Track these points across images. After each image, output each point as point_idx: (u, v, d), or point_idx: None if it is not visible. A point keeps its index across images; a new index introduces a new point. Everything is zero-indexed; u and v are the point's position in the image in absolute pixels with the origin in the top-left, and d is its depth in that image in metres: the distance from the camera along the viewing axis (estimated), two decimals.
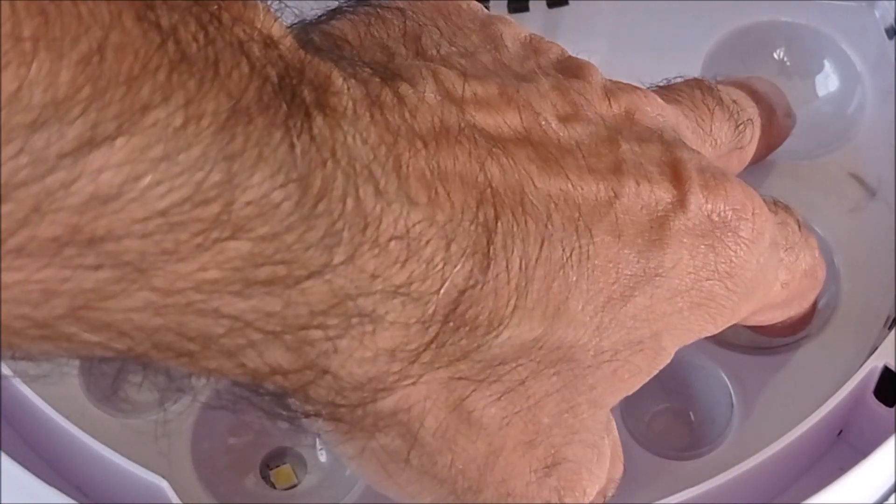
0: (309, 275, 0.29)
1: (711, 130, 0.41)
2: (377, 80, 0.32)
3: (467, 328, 0.32)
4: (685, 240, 0.36)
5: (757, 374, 0.46)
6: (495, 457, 0.34)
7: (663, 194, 0.36)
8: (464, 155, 0.32)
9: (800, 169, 0.50)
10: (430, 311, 0.31)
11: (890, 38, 0.51)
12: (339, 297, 0.30)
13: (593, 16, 0.52)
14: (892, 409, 0.43)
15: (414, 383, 0.32)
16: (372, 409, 0.33)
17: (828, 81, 0.52)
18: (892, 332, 0.43)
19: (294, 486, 0.46)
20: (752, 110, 0.43)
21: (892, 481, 0.41)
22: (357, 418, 0.33)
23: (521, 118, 0.35)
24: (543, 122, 0.35)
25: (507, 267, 0.32)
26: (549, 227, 0.33)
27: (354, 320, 0.30)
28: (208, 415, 0.46)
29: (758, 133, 0.44)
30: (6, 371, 0.40)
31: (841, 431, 0.45)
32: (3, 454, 0.40)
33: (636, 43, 0.52)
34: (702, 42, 0.52)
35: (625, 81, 0.39)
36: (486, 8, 0.51)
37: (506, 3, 0.52)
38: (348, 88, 0.31)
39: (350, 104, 0.30)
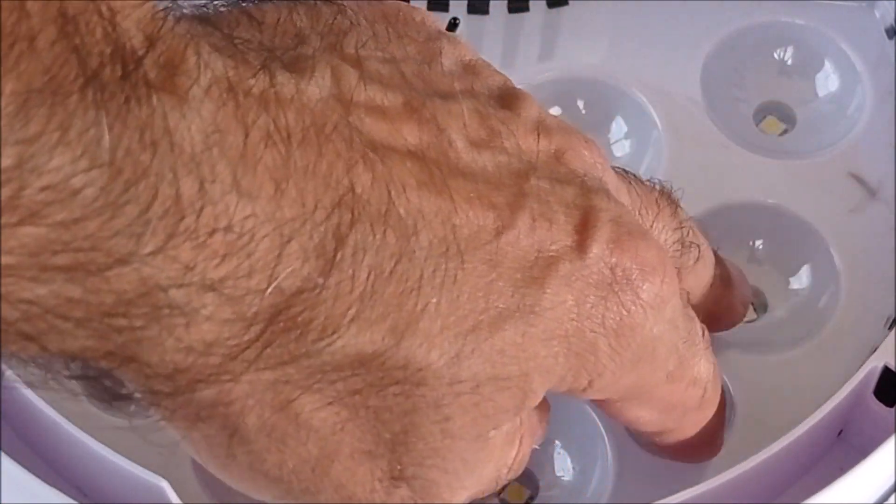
0: (114, 263, 0.28)
1: (652, 225, 0.39)
2: (256, 65, 0.31)
3: (298, 331, 0.31)
4: (575, 285, 0.35)
5: (757, 374, 0.46)
6: (329, 461, 0.33)
7: (560, 236, 0.35)
8: (331, 155, 0.31)
9: (800, 169, 0.50)
10: (254, 310, 0.30)
11: (890, 38, 0.51)
12: (147, 287, 0.29)
13: (593, 16, 0.52)
14: (892, 409, 0.43)
15: (234, 379, 0.31)
16: (191, 398, 0.32)
17: (828, 81, 0.52)
18: (892, 332, 0.43)
19: None
20: (704, 242, 0.42)
21: (892, 481, 0.41)
22: (177, 405, 0.32)
23: (419, 132, 0.34)
24: (447, 142, 0.34)
25: (352, 276, 0.31)
26: (414, 243, 0.32)
27: (165, 311, 0.29)
28: None
29: (707, 272, 0.42)
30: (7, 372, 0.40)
31: (841, 431, 0.45)
32: (3, 454, 0.40)
33: (636, 43, 0.52)
34: (702, 42, 0.52)
35: (572, 127, 0.38)
36: (487, 9, 0.52)
37: (506, 3, 0.52)
38: (202, 70, 0.29)
39: (198, 87, 0.29)
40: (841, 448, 0.45)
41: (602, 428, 0.45)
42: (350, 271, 0.31)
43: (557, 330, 0.35)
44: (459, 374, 0.33)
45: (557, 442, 0.46)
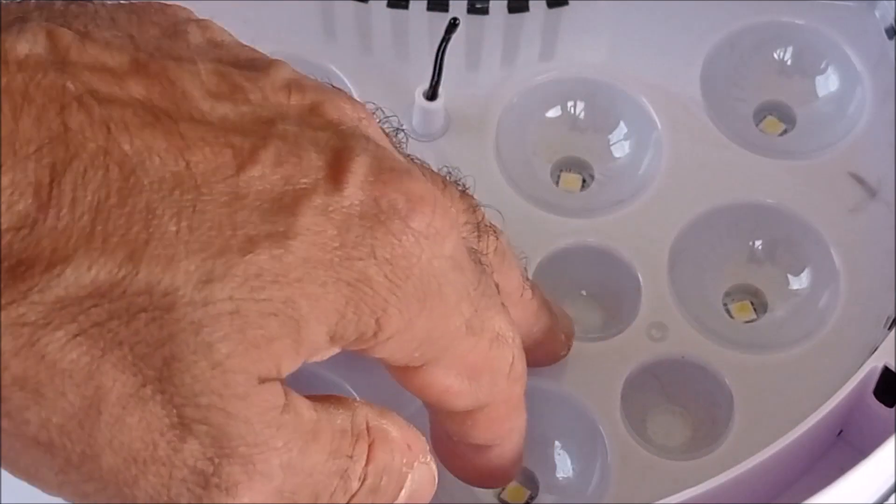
0: None
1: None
2: None
3: (24, 268, 0.31)
4: (333, 216, 0.34)
5: (757, 374, 0.46)
6: (96, 411, 0.32)
7: (311, 171, 0.34)
8: (41, 99, 0.32)
9: (800, 169, 0.50)
10: None
11: (890, 38, 0.51)
12: None
13: (593, 16, 0.52)
14: (892, 409, 0.43)
15: None
16: None
17: (828, 81, 0.52)
18: (892, 332, 0.43)
19: None
20: (503, 235, 0.42)
21: (892, 481, 0.41)
22: None
23: (147, 85, 0.34)
24: (179, 93, 0.34)
25: (73, 209, 0.32)
26: (142, 177, 0.33)
27: None
28: None
29: (513, 272, 0.42)
30: None
31: (841, 431, 0.45)
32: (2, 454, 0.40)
33: (636, 43, 0.52)
34: (702, 42, 0.52)
35: (336, 88, 0.38)
36: (487, 9, 0.52)
37: (506, 3, 0.52)
38: None
39: None
40: (841, 448, 0.45)
41: (602, 428, 0.45)
42: (70, 205, 0.32)
43: (320, 257, 0.34)
44: (213, 295, 0.33)
45: (557, 442, 0.46)
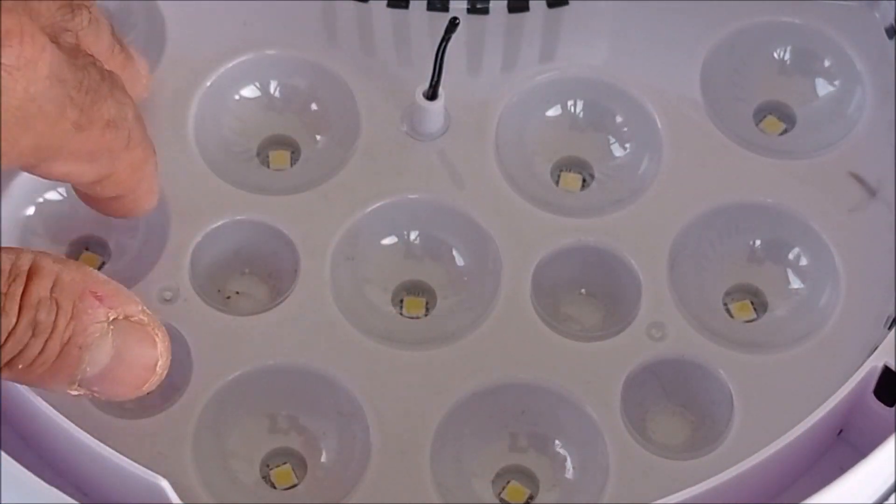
0: None
1: None
2: None
3: None
4: None
5: (757, 374, 0.46)
6: None
7: None
8: None
9: (800, 169, 0.50)
10: None
11: (890, 38, 0.51)
12: None
13: (593, 16, 0.52)
14: (892, 409, 0.43)
15: None
16: None
17: (828, 81, 0.52)
18: (892, 331, 0.44)
19: (294, 486, 0.46)
20: (94, 4, 0.44)
21: (892, 481, 0.41)
22: None
23: None
24: None
25: None
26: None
27: None
28: (209, 415, 0.46)
29: (104, 34, 0.45)
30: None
31: (841, 431, 0.45)
32: (3, 454, 0.40)
33: (636, 43, 0.52)
34: (702, 42, 0.52)
35: None
36: (487, 9, 0.52)
37: (506, 3, 0.52)
38: None
39: None
40: (841, 448, 0.45)
41: (602, 428, 0.45)
42: None
43: None
44: None
45: (557, 441, 0.46)
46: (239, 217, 0.49)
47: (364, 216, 0.49)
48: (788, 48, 0.52)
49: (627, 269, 0.48)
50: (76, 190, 0.45)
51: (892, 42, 0.51)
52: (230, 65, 0.51)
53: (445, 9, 0.52)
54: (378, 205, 0.49)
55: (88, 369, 0.39)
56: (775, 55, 0.52)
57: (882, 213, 0.49)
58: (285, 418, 0.46)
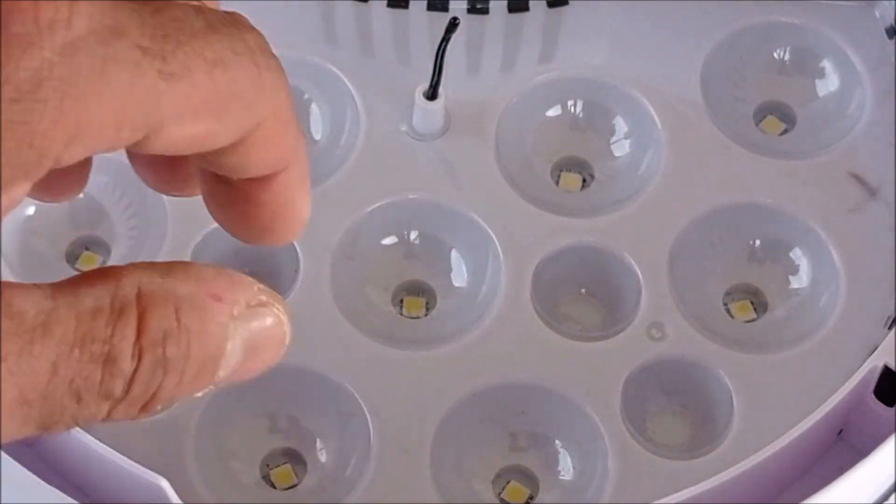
0: None
1: None
2: None
3: None
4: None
5: (757, 374, 0.46)
6: None
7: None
8: None
9: (800, 169, 0.50)
10: None
11: (890, 38, 0.52)
12: None
13: (593, 16, 0.52)
14: (892, 409, 0.43)
15: None
16: None
17: (828, 81, 0.52)
18: (892, 331, 0.44)
19: (294, 486, 0.46)
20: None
21: (892, 481, 0.41)
22: None
23: None
24: None
25: None
26: None
27: None
28: (209, 415, 0.46)
29: None
30: None
31: (841, 431, 0.45)
32: (3, 454, 0.40)
33: (636, 43, 0.52)
34: (702, 42, 0.52)
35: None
36: (487, 9, 0.52)
37: (506, 3, 0.52)
38: None
39: None
40: (841, 448, 0.45)
41: (602, 428, 0.46)
42: None
43: None
44: None
45: (557, 441, 0.46)
46: None
47: (364, 216, 0.49)
48: (788, 48, 0.52)
49: (627, 269, 0.48)
50: (211, 195, 0.37)
51: (892, 42, 0.51)
52: None
53: (445, 9, 0.52)
54: (378, 205, 0.49)
55: (221, 374, 0.34)
56: (775, 55, 0.52)
57: (882, 213, 0.49)
58: (285, 418, 0.46)
